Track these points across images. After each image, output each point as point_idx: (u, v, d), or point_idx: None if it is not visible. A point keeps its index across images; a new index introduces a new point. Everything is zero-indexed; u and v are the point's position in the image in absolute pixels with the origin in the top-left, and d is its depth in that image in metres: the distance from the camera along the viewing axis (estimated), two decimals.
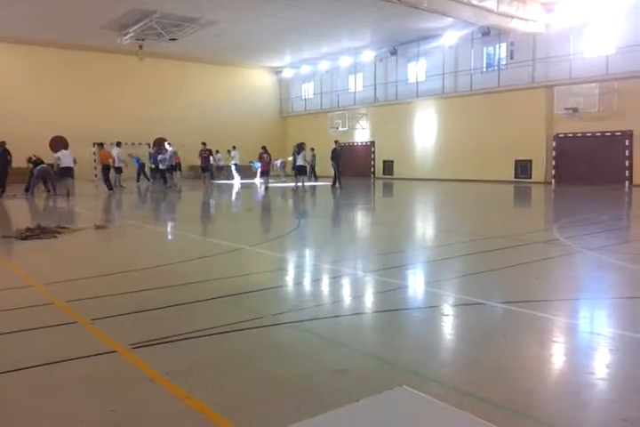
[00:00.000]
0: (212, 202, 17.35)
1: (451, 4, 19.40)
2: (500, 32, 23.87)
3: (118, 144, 22.96)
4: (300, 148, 20.05)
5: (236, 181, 26.69)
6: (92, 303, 4.62)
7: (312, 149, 27.78)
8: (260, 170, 21.73)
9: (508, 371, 3.14)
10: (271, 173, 22.75)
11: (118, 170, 22.44)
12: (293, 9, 22.10)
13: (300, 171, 19.76)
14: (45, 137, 26.49)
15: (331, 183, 21.31)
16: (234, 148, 27.33)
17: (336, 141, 22.04)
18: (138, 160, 26.46)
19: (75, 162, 18.73)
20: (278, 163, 27.69)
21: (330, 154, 21.24)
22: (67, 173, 17.99)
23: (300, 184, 19.40)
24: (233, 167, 27.27)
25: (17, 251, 7.62)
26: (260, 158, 21.15)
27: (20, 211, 14.47)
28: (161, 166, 22.64)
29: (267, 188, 20.69)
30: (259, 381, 3.01)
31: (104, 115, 29.56)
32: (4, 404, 2.78)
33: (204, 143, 22.06)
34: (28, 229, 8.78)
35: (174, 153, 23.05)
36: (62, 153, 18.66)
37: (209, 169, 22.93)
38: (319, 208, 15.07)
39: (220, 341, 3.69)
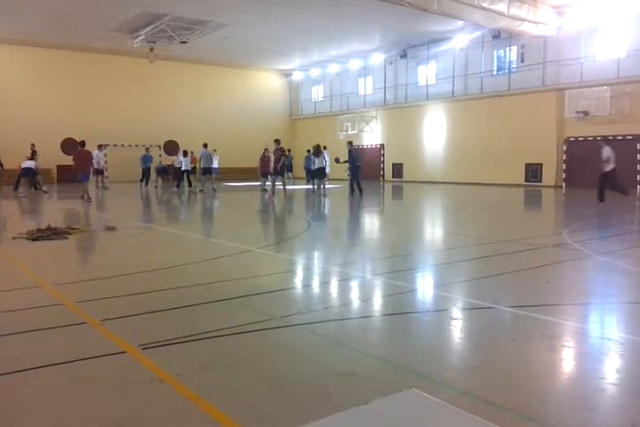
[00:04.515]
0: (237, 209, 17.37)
1: (461, 7, 19.35)
2: (510, 35, 23.78)
3: (99, 147, 23.13)
4: (317, 151, 19.38)
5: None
6: (102, 304, 4.65)
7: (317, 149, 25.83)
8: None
9: (517, 375, 3.13)
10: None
11: (99, 172, 22.76)
12: (303, 12, 22.14)
13: (317, 174, 19.09)
14: (55, 139, 26.67)
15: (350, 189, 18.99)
16: (214, 151, 25.43)
17: (349, 142, 19.97)
18: (146, 161, 24.80)
19: (36, 168, 20.12)
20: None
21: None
22: (27, 173, 20.04)
23: (315, 187, 19.17)
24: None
25: (28, 252, 7.67)
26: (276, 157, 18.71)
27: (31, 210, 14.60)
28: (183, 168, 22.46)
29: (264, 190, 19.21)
30: (267, 382, 3.02)
31: (114, 117, 29.71)
32: (14, 403, 2.81)
33: (277, 140, 18.29)
34: (38, 230, 8.84)
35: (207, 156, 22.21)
36: (24, 162, 20.06)
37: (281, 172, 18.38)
38: (327, 211, 15.06)
39: (230, 342, 3.70)
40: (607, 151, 14.42)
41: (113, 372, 3.18)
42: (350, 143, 19.81)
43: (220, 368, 3.25)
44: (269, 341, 3.76)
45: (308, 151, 22.47)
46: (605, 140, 14.62)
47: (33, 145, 21.77)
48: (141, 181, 23.86)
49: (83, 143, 16.69)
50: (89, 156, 16.96)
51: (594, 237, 8.81)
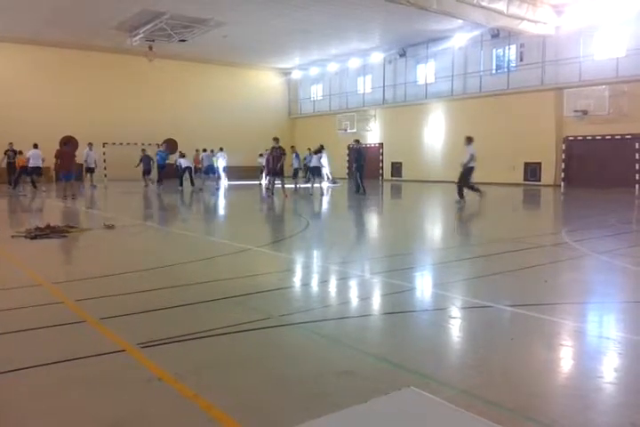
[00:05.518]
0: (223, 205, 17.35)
1: (460, 6, 19.35)
2: (509, 34, 23.79)
3: (90, 145, 23.14)
4: (317, 150, 19.58)
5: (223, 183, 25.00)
6: (100, 302, 4.65)
7: (293, 147, 25.16)
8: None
9: (515, 374, 3.14)
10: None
11: (90, 170, 22.96)
12: (302, 10, 22.13)
13: (313, 172, 19.36)
14: (55, 137, 26.58)
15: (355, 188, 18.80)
16: (221, 149, 25.25)
17: (356, 140, 20.40)
18: (161, 157, 23.61)
19: (42, 161, 19.46)
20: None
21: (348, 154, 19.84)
22: (34, 171, 19.40)
23: (315, 185, 19.23)
24: (221, 169, 25.14)
25: (27, 250, 7.66)
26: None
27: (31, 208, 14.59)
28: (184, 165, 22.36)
29: (268, 189, 18.34)
30: (266, 381, 3.02)
31: (113, 115, 29.69)
32: (12, 402, 2.81)
33: (276, 139, 17.46)
34: (37, 229, 8.84)
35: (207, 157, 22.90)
36: (32, 153, 19.32)
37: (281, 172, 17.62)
38: (326, 210, 15.06)
39: (228, 341, 3.70)
40: (471, 149, 15.06)
41: (111, 370, 3.18)
42: (358, 141, 20.05)
43: (218, 367, 3.25)
44: (268, 339, 3.76)
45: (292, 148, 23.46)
46: (469, 138, 15.23)
47: (11, 144, 21.42)
48: (158, 181, 22.64)
49: (65, 142, 16.74)
50: (69, 155, 17.11)
51: (592, 236, 8.82)
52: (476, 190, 15.06)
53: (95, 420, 2.58)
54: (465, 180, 15.01)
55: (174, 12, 22.75)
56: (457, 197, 15.08)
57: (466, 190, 15.04)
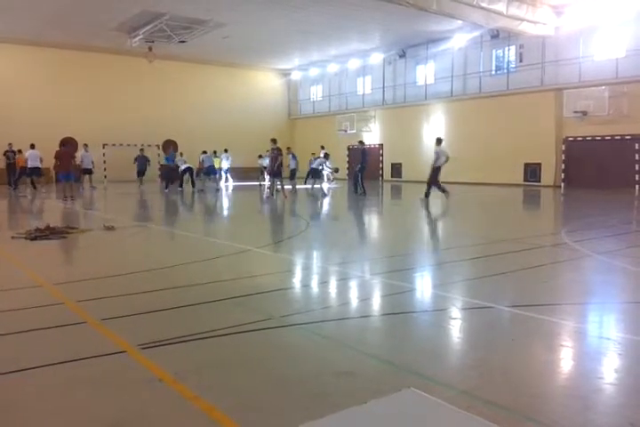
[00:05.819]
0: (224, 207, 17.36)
1: (460, 7, 19.36)
2: (509, 35, 23.79)
3: (85, 147, 23.09)
4: (324, 157, 20.68)
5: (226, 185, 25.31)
6: (101, 303, 4.65)
7: (289, 149, 24.14)
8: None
9: (516, 375, 3.14)
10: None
11: (87, 171, 22.89)
12: (302, 11, 22.14)
13: (312, 174, 20.34)
14: (55, 138, 26.63)
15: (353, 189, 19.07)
16: (225, 151, 25.65)
17: (360, 142, 20.55)
18: (169, 160, 23.83)
19: (41, 161, 19.38)
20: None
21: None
22: (34, 172, 19.35)
23: (315, 186, 19.49)
24: (224, 170, 25.62)
25: (27, 251, 7.67)
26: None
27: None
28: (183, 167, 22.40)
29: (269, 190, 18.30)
30: (267, 381, 3.03)
31: (113, 116, 29.70)
32: (14, 403, 2.81)
33: (273, 140, 17.32)
34: (37, 230, 8.84)
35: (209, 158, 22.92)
36: (29, 153, 19.26)
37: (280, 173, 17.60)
38: (325, 211, 15.06)
39: (229, 342, 3.71)
40: (436, 149, 16.30)
41: (112, 371, 3.18)
42: (362, 143, 20.39)
43: (219, 368, 3.25)
44: (268, 340, 3.77)
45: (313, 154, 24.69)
46: (439, 139, 16.61)
47: (10, 145, 21.51)
48: (171, 183, 22.60)
49: (64, 143, 16.87)
50: (69, 155, 17.17)
51: (592, 236, 8.83)
52: (427, 195, 16.12)
53: (95, 420, 2.59)
54: (432, 178, 16.00)
55: (174, 13, 22.75)
56: (440, 192, 15.99)
57: (431, 189, 16.17)
